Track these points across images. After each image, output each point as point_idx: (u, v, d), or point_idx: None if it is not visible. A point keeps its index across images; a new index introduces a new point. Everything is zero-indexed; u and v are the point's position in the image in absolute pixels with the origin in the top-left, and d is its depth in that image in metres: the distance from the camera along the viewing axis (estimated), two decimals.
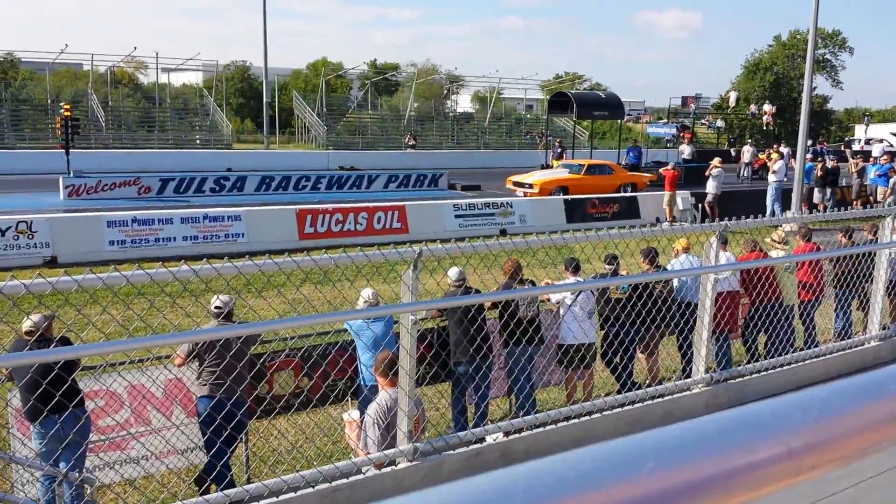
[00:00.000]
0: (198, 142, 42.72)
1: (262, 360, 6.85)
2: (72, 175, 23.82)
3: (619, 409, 5.81)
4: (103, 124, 40.78)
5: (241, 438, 6.55)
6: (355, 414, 6.04)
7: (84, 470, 5.90)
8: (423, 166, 33.13)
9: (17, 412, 6.03)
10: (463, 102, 66.46)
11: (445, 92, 60.69)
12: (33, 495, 5.96)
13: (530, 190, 24.60)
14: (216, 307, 6.46)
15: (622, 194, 24.00)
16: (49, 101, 41.56)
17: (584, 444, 1.14)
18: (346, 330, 7.41)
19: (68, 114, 25.62)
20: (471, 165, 38.44)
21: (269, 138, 46.66)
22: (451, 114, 56.34)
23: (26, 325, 5.97)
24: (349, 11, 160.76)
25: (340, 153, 38.75)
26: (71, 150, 25.15)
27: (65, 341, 5.98)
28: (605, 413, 5.73)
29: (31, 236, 14.51)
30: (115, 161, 31.11)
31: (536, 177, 25.85)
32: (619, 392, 6.41)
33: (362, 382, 7.11)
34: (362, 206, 18.88)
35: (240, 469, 6.73)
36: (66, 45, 45.93)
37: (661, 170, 22.78)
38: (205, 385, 6.39)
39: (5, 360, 5.22)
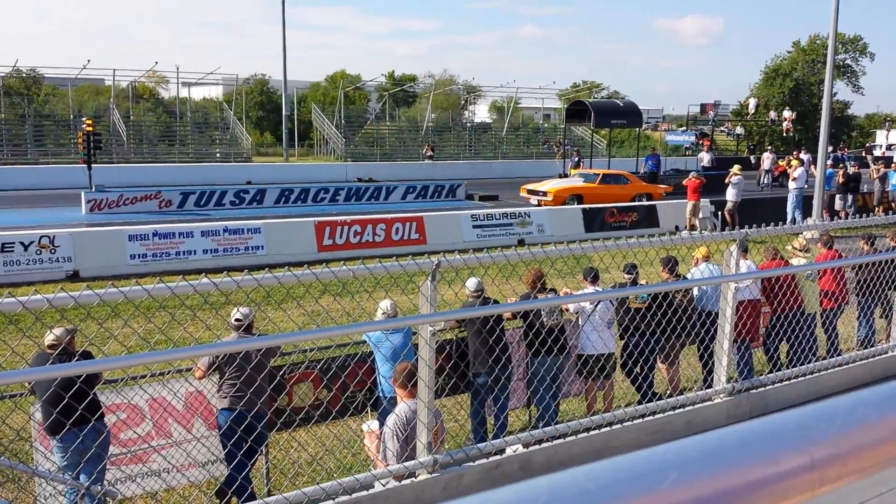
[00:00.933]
0: (218, 155, 43.13)
1: (281, 373, 6.87)
2: (94, 189, 24.11)
3: (639, 420, 5.76)
4: (125, 139, 41.28)
5: (262, 451, 6.56)
6: (374, 425, 6.04)
7: (106, 483, 5.93)
8: (440, 177, 33.20)
9: (40, 426, 6.07)
10: (480, 112, 66.61)
11: (463, 102, 60.87)
12: None
13: (545, 198, 24.72)
14: (236, 319, 6.50)
15: (641, 203, 23.89)
16: (71, 116, 42.14)
17: (604, 455, 1.13)
18: (364, 341, 7.42)
19: (90, 129, 25.94)
20: (488, 175, 38.49)
21: (288, 151, 47.01)
22: (468, 124, 56.47)
23: (49, 338, 6.02)
24: (367, 23, 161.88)
25: (358, 165, 38.94)
26: (93, 165, 25.46)
27: (86, 355, 6.01)
28: (625, 424, 5.68)
29: (53, 251, 14.67)
30: (137, 175, 31.48)
31: (551, 185, 25.92)
32: (639, 403, 6.36)
33: (381, 394, 7.11)
34: (380, 218, 18.95)
35: (260, 481, 6.75)
36: (89, 60, 46.79)
37: (684, 181, 22.52)
38: (225, 397, 6.42)
39: (28, 374, 5.28)
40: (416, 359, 5.10)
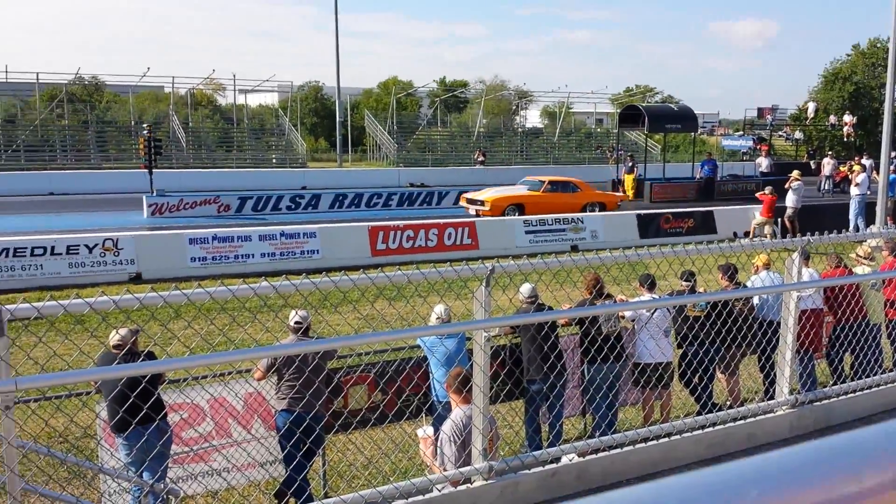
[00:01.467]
0: (274, 161, 43.86)
1: (338, 375, 6.96)
2: (155, 194, 24.78)
3: (699, 432, 5.66)
4: (184, 144, 42.30)
5: (319, 452, 6.65)
6: (430, 430, 6.06)
7: (168, 481, 6.08)
8: (492, 182, 33.17)
9: (105, 424, 6.24)
10: (532, 117, 66.36)
11: (514, 107, 60.72)
12: None
13: (482, 207, 23.16)
14: (296, 322, 6.61)
15: (698, 208, 23.43)
16: (132, 122, 43.35)
17: (662, 466, 1.13)
18: (419, 346, 7.46)
19: (151, 135, 26.70)
20: None
21: (341, 156, 47.54)
22: (520, 129, 56.33)
23: (114, 339, 6.19)
24: (419, 30, 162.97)
25: (411, 170, 39.15)
26: (153, 170, 26.17)
27: (150, 356, 6.17)
28: (684, 435, 5.59)
29: (116, 253, 15.14)
30: (196, 180, 32.22)
31: (489, 193, 24.02)
32: (698, 413, 6.26)
33: (435, 398, 7.14)
34: (433, 223, 19.05)
35: (318, 483, 6.83)
36: (148, 68, 47.87)
37: (757, 194, 21.80)
38: (283, 399, 6.53)
39: (96, 373, 5.46)
40: (471, 364, 5.11)
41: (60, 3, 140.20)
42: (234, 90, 49.78)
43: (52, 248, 14.73)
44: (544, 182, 24.83)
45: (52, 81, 45.23)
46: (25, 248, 14.58)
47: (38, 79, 43.72)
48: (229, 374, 6.80)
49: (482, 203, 23.32)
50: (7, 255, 14.37)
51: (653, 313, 7.66)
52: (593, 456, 5.31)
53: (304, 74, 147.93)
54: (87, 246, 14.95)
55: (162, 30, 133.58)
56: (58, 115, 44.63)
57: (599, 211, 23.63)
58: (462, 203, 24.77)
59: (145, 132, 26.47)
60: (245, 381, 6.75)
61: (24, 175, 33.18)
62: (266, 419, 6.78)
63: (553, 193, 24.08)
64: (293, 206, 25.97)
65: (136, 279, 14.83)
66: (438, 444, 5.51)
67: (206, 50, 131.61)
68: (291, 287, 4.29)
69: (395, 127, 49.64)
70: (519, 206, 23.22)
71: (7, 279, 14.10)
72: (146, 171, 26.19)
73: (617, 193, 26.81)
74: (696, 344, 7.78)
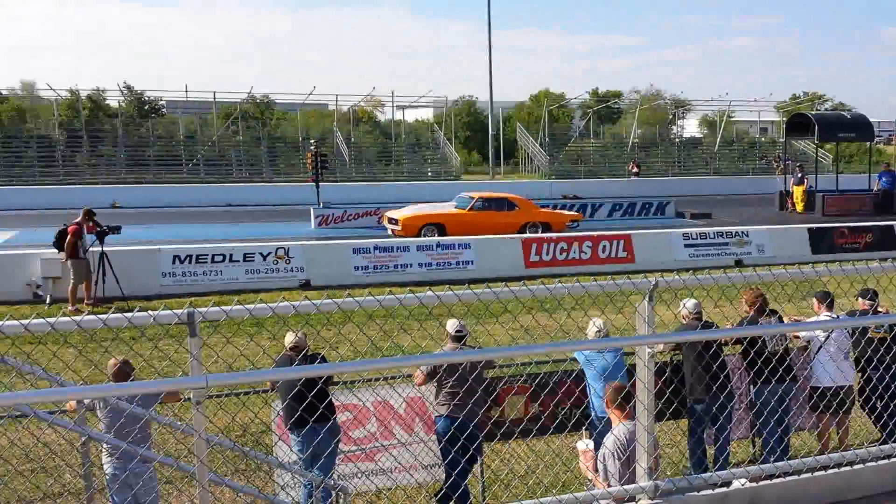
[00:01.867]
0: (429, 173, 45.05)
1: (496, 384, 7.05)
2: (321, 206, 26.18)
3: (884, 461, 5.26)
4: (347, 159, 44.37)
5: (479, 459, 6.75)
6: (590, 444, 6.01)
7: (338, 478, 6.39)
8: (648, 194, 32.33)
9: (280, 421, 6.65)
10: (689, 127, 64.02)
11: (671, 117, 58.85)
12: (294, 498, 6.56)
13: (396, 227, 21.34)
14: (457, 331, 6.77)
15: (877, 223, 21.68)
16: (300, 138, 45.97)
17: (844, 497, 1.11)
18: (576, 359, 7.41)
19: (317, 150, 28.26)
20: (699, 192, 36.86)
21: (494, 169, 48.05)
22: (676, 139, 54.53)
23: (290, 340, 6.59)
24: (570, 42, 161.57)
25: (563, 182, 38.97)
26: (320, 183, 27.65)
27: (322, 359, 6.53)
28: (868, 464, 5.22)
29: (288, 261, 16.13)
30: (357, 192, 33.75)
31: (405, 212, 22.01)
32: (883, 442, 5.81)
33: (593, 413, 7.06)
34: (586, 235, 18.86)
35: (478, 490, 6.94)
36: (314, 87, 50.70)
37: None
38: (443, 405, 6.69)
39: (277, 373, 5.85)
40: (633, 380, 5.03)
41: (234, 29, 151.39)
42: (393, 106, 51.77)
43: (231, 255, 15.94)
44: (475, 199, 22.36)
45: (228, 100, 48.88)
46: (207, 255, 15.87)
47: (214, 98, 47.39)
48: (396, 378, 7.07)
49: (396, 222, 21.43)
50: (190, 262, 15.69)
51: (830, 333, 7.20)
52: (767, 482, 5.07)
53: (458, 90, 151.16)
54: (261, 254, 16.03)
55: (325, 50, 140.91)
56: (233, 131, 48.14)
57: (543, 232, 20.90)
58: (383, 222, 22.86)
59: (312, 147, 28.02)
60: (407, 386, 6.99)
61: (204, 187, 36.06)
62: (426, 423, 6.97)
63: (482, 212, 21.73)
64: None
65: (306, 286, 15.71)
66: (600, 458, 5.46)
67: (369, 69, 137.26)
68: (454, 297, 4.43)
69: (546, 139, 49.58)
70: (437, 226, 21.17)
71: (190, 283, 15.39)
72: (313, 184, 27.72)
73: (566, 212, 23.78)
74: (881, 368, 7.22)
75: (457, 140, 53.85)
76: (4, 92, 49.79)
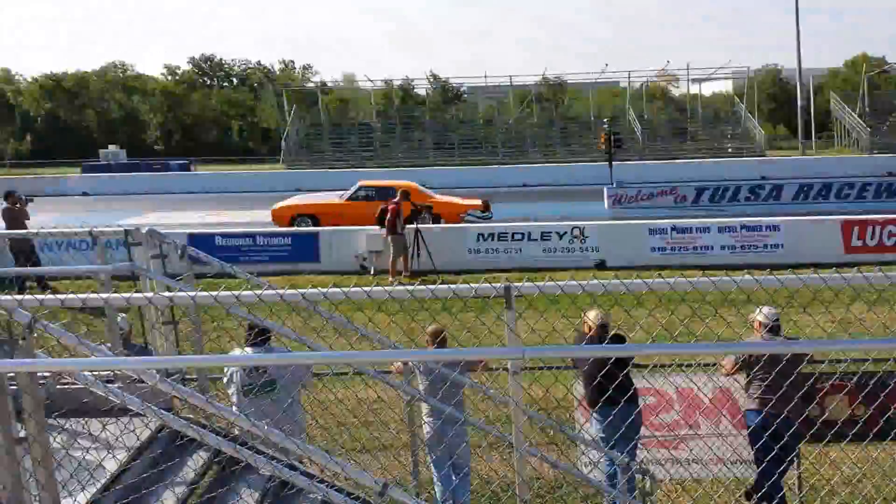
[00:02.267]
0: (729, 150, 42.58)
1: (812, 382, 6.52)
2: (614, 185, 26.01)
3: None
4: (639, 137, 43.48)
5: (792, 460, 6.34)
6: None
7: (641, 462, 6.37)
8: None
9: (582, 399, 6.78)
10: None
11: None
12: (594, 476, 6.67)
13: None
14: (774, 321, 6.37)
15: None
16: (592, 117, 45.98)
17: None
18: None
19: (610, 129, 28.07)
20: None
21: (804, 143, 43.96)
22: None
23: (597, 318, 6.62)
24: None
25: (888, 157, 34.48)
26: (612, 163, 27.46)
27: (620, 339, 6.52)
28: None
29: (583, 241, 16.37)
30: (651, 171, 32.94)
31: (286, 201, 21.73)
32: None
33: None
34: None
35: (792, 492, 6.53)
36: (606, 65, 50.38)
37: None
38: (753, 398, 6.37)
39: (579, 350, 6.00)
40: None
41: (529, 13, 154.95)
42: (688, 80, 49.57)
43: (529, 234, 16.62)
44: (359, 188, 21.32)
45: (523, 84, 50.33)
46: (507, 233, 16.72)
47: (511, 82, 49.06)
48: (693, 366, 6.87)
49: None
50: (493, 239, 16.62)
51: None
52: None
53: (760, 58, 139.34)
54: (558, 233, 16.47)
55: (625, 30, 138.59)
56: (527, 113, 49.53)
57: (433, 223, 18.29)
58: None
59: (605, 127, 27.85)
60: (712, 375, 6.75)
61: (502, 169, 37.63)
62: (734, 416, 6.69)
63: (361, 202, 20.22)
64: (752, 197, 25.01)
65: (601, 266, 15.80)
66: None
67: (662, 44, 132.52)
68: (753, 282, 4.18)
69: (866, 109, 44.08)
70: (311, 217, 20.50)
71: (493, 259, 16.32)
72: (606, 163, 27.61)
73: (469, 202, 21.34)
74: None
75: (760, 113, 50.12)
76: (330, 84, 56.35)
